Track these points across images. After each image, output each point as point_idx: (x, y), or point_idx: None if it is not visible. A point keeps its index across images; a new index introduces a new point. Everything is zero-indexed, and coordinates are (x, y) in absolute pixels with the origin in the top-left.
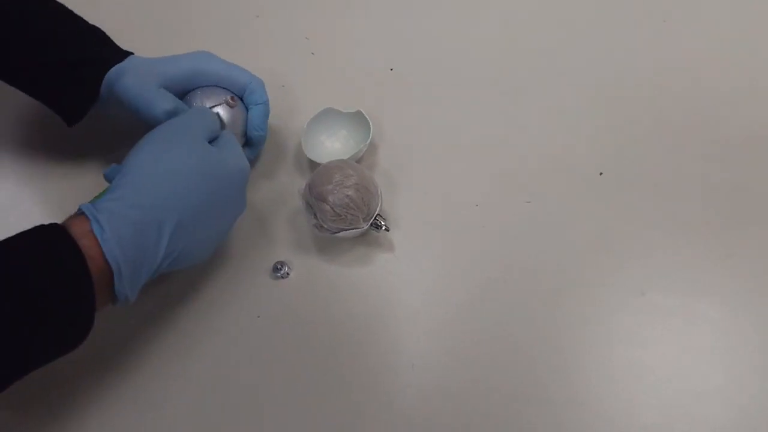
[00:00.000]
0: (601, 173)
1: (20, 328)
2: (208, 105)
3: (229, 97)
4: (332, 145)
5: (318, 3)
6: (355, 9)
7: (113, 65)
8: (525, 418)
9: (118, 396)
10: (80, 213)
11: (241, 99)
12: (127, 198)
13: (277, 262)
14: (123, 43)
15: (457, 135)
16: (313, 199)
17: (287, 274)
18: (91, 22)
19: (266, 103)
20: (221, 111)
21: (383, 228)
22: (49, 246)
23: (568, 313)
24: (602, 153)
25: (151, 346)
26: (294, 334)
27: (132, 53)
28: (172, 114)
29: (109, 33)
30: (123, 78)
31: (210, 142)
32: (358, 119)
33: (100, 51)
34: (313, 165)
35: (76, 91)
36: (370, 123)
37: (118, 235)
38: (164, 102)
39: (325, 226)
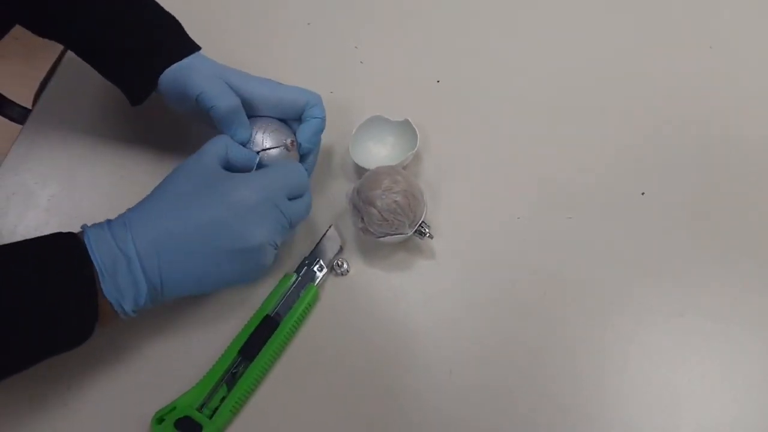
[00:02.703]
0: (643, 193)
1: (21, 319)
2: (267, 145)
3: (289, 142)
4: (378, 152)
5: (367, 13)
6: (404, 20)
7: (177, 58)
8: (559, 427)
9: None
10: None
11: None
12: (119, 218)
13: (338, 259)
14: None
15: (501, 148)
16: (361, 203)
17: (347, 271)
18: None
19: (322, 119)
20: (277, 153)
21: (427, 235)
22: (58, 246)
23: (606, 330)
24: (645, 174)
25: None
26: (332, 335)
27: (200, 48)
28: (235, 111)
29: None
30: (187, 72)
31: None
32: (405, 128)
33: (167, 40)
34: (359, 170)
35: (136, 77)
36: (417, 132)
37: (98, 245)
38: (229, 97)
39: (371, 229)
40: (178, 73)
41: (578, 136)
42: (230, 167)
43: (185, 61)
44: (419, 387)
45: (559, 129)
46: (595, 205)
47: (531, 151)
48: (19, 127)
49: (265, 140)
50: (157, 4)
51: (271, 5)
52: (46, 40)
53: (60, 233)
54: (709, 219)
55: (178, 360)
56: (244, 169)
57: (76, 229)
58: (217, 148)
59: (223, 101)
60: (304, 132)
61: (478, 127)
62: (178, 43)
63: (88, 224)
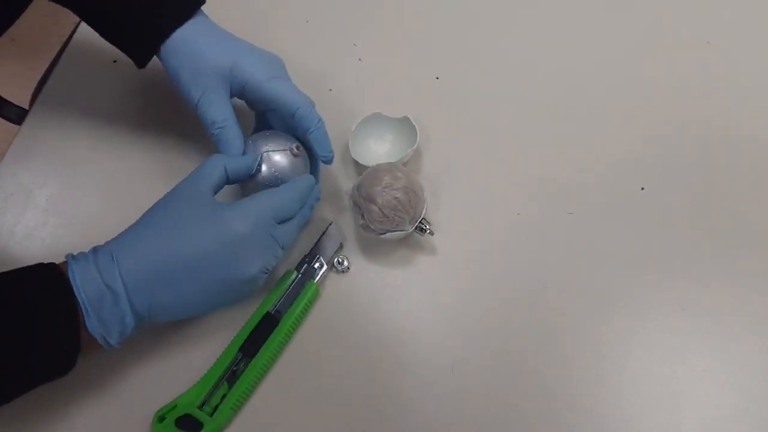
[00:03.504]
0: (642, 188)
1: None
2: (271, 148)
3: (294, 146)
4: (378, 149)
5: (366, 11)
6: (403, 18)
7: (179, 22)
8: (562, 424)
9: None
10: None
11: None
12: (105, 248)
13: (339, 256)
14: None
15: (500, 145)
16: (362, 200)
17: (348, 268)
18: None
19: (322, 124)
20: (281, 157)
21: (428, 231)
22: (42, 278)
23: (606, 326)
24: (644, 169)
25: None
26: (332, 331)
27: (198, 6)
28: (220, 125)
29: None
30: (174, 57)
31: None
32: (405, 125)
33: (162, 12)
34: (359, 167)
35: (137, 42)
36: (417, 129)
37: (83, 280)
38: (223, 109)
39: (372, 226)
40: (180, 53)
41: (578, 133)
42: (231, 180)
43: (189, 37)
44: (421, 383)
45: (559, 125)
46: (595, 201)
47: (531, 147)
48: (16, 127)
49: (268, 145)
50: None
51: (270, 3)
52: (42, 41)
53: (42, 265)
54: (709, 214)
55: (179, 358)
56: (245, 177)
57: (75, 231)
58: (210, 170)
59: (218, 115)
60: (319, 142)
61: (477, 123)
62: (178, 5)
63: (74, 253)
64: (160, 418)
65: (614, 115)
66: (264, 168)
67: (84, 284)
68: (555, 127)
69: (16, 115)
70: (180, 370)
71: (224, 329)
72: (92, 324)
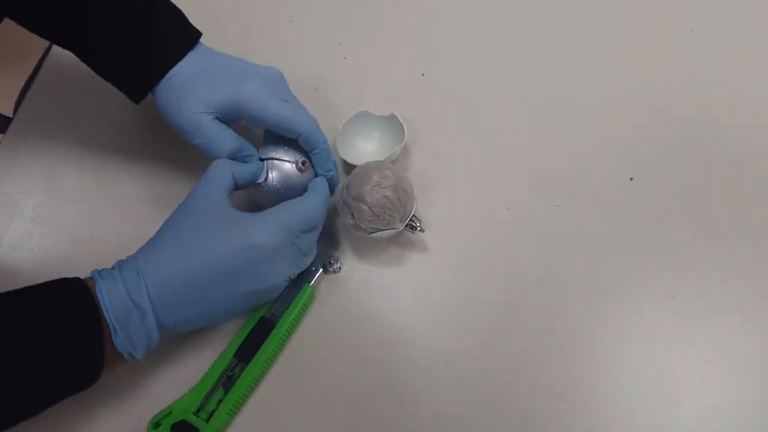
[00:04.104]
0: (631, 178)
1: (29, 367)
2: (278, 157)
3: (300, 161)
4: (366, 148)
5: (350, 9)
6: (387, 16)
7: (176, 59)
8: (558, 415)
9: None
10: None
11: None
12: (130, 264)
13: (331, 258)
14: None
15: (488, 140)
16: (351, 199)
17: (340, 269)
18: None
19: (327, 145)
20: (287, 169)
21: (418, 229)
22: (67, 294)
23: (600, 315)
24: (632, 159)
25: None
26: (328, 333)
27: (200, 35)
28: (236, 152)
29: None
30: (171, 103)
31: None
32: (392, 122)
33: (163, 37)
34: (347, 166)
35: (134, 79)
36: (404, 126)
37: (110, 298)
38: (227, 141)
39: (362, 225)
40: (177, 90)
41: (565, 125)
42: (238, 186)
43: (183, 72)
44: (417, 381)
45: (545, 119)
46: (585, 193)
47: (519, 141)
48: (0, 136)
49: (278, 153)
50: None
51: (253, 4)
52: (24, 48)
53: (66, 280)
54: (697, 202)
55: (174, 364)
56: (250, 183)
57: (63, 240)
58: (221, 176)
59: (222, 150)
60: (322, 163)
61: (465, 119)
62: (176, 40)
63: (99, 269)
64: (155, 424)
65: (600, 107)
66: (269, 176)
67: (112, 302)
68: (542, 120)
69: (0, 124)
70: (175, 375)
71: (219, 335)
72: (120, 341)
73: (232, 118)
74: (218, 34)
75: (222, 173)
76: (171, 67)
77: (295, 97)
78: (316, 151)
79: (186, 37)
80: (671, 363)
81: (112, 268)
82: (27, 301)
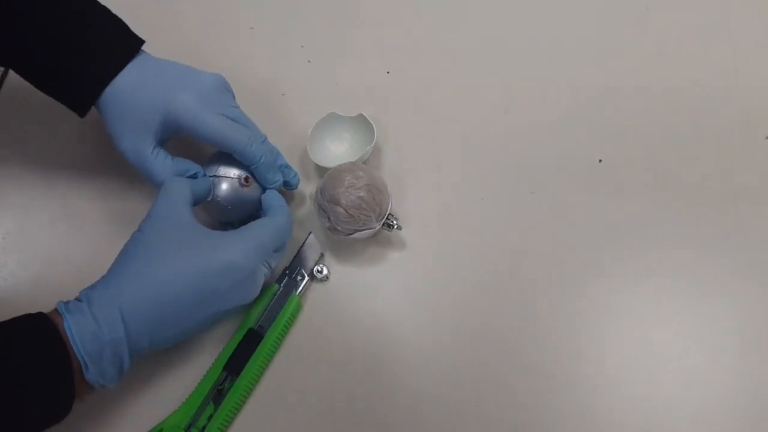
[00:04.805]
0: (600, 160)
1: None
2: (222, 173)
3: (243, 178)
4: (337, 149)
5: (310, 13)
6: (348, 16)
7: (118, 68)
8: (546, 396)
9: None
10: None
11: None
12: (100, 295)
13: (317, 266)
14: None
15: (458, 132)
16: (326, 203)
17: (327, 277)
18: None
19: (265, 159)
20: (230, 185)
21: (395, 227)
22: (34, 333)
23: (579, 297)
24: (599, 141)
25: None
26: (316, 340)
27: (142, 42)
28: (181, 174)
29: None
30: (112, 122)
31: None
32: (361, 122)
33: (104, 46)
34: (319, 169)
35: (75, 92)
36: (374, 125)
37: (81, 336)
38: (166, 171)
39: (339, 228)
40: (117, 105)
41: (530, 113)
42: (195, 202)
43: (123, 84)
44: (410, 377)
45: (511, 107)
46: (556, 178)
47: (486, 131)
48: None
49: (219, 171)
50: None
51: (210, 12)
52: None
53: (29, 316)
54: (667, 178)
55: (162, 380)
56: (204, 200)
57: (38, 267)
58: (181, 192)
59: (164, 178)
60: (262, 176)
61: (432, 114)
62: (116, 50)
63: (64, 301)
64: None
65: (563, 92)
66: (219, 190)
67: (82, 339)
68: (507, 108)
69: None
70: (163, 392)
71: (207, 348)
72: (92, 375)
73: (171, 133)
74: (179, 44)
75: (181, 189)
76: (112, 78)
77: (237, 107)
78: (254, 166)
79: (127, 46)
80: (653, 339)
81: (78, 299)
82: None
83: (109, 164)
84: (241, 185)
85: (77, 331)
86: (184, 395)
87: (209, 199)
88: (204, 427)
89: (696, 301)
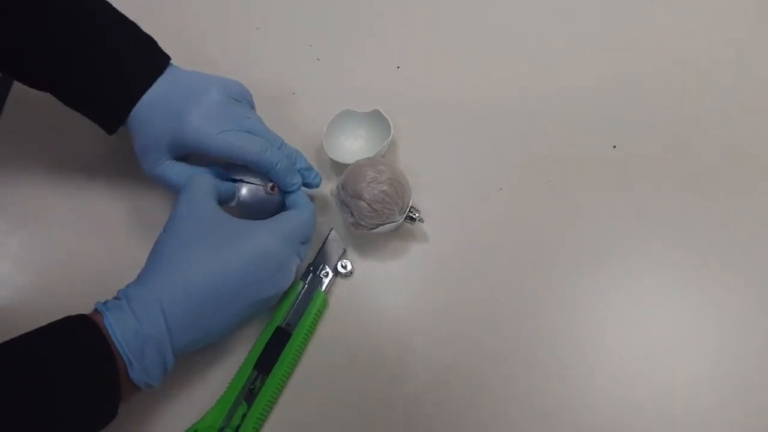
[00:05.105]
0: (614, 146)
1: (49, 413)
2: (247, 179)
3: (269, 186)
4: (352, 146)
5: (317, 11)
6: (355, 13)
7: (148, 84)
8: (571, 386)
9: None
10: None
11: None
12: (139, 293)
13: (341, 261)
14: None
15: (472, 123)
16: (349, 198)
17: (351, 272)
18: None
19: (281, 166)
20: (249, 190)
21: (417, 219)
22: (77, 334)
23: (606, 282)
24: (613, 127)
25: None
26: (343, 335)
27: (167, 63)
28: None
29: None
30: (136, 139)
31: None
32: (376, 118)
33: (132, 65)
34: (336, 165)
35: (105, 110)
36: (389, 120)
37: (123, 332)
38: (179, 179)
39: (363, 222)
40: (141, 124)
41: (545, 102)
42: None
43: (146, 102)
44: (439, 369)
45: (525, 97)
46: (571, 165)
47: (501, 121)
48: None
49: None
50: (113, 11)
51: (215, 13)
52: None
53: (72, 318)
54: (682, 166)
55: (193, 381)
56: (225, 202)
57: (55, 275)
58: (207, 186)
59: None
60: (280, 180)
61: (445, 106)
62: (144, 69)
63: (102, 302)
64: None
65: (577, 80)
66: (241, 193)
67: (125, 336)
68: (522, 99)
69: None
70: (195, 393)
71: (236, 349)
72: (136, 374)
73: (184, 151)
74: (185, 47)
75: (205, 182)
76: (141, 96)
77: (250, 117)
78: (272, 173)
79: (155, 63)
80: (689, 321)
81: (117, 298)
82: (36, 346)
83: (127, 166)
84: (267, 192)
85: (120, 330)
86: (215, 396)
87: (233, 204)
88: (238, 427)
89: (717, 285)
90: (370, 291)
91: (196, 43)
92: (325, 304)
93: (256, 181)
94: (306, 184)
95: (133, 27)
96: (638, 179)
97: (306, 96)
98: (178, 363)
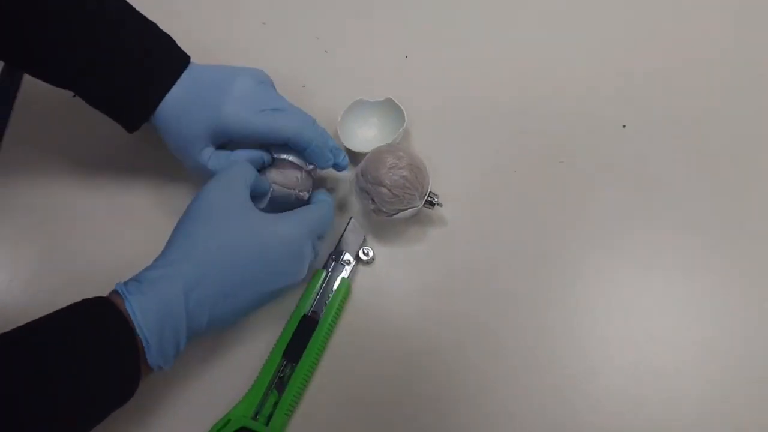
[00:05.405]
0: (624, 126)
1: (66, 392)
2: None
3: (310, 169)
4: (366, 135)
5: (321, 3)
6: (360, 4)
7: (169, 84)
8: (590, 365)
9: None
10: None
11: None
12: (159, 274)
13: (361, 248)
14: None
15: (482, 108)
16: (369, 185)
17: (373, 259)
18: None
19: (317, 144)
20: (298, 173)
21: (437, 203)
22: (98, 315)
23: (618, 265)
24: (623, 106)
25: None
26: (368, 321)
27: (187, 63)
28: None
29: None
30: (170, 137)
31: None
32: (388, 106)
33: (155, 63)
34: (352, 154)
35: (129, 108)
36: (403, 108)
37: (143, 313)
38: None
39: (384, 209)
40: (171, 121)
41: (554, 83)
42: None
43: (173, 101)
44: (468, 349)
45: (533, 79)
46: (583, 145)
47: (511, 105)
48: None
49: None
50: (132, 11)
51: (221, 10)
52: None
53: (90, 301)
54: (692, 144)
55: (222, 372)
56: (262, 192)
57: (76, 278)
58: (245, 175)
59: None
60: (315, 158)
61: (455, 92)
62: (167, 68)
63: (121, 282)
64: None
65: (585, 62)
66: (273, 196)
67: (146, 319)
68: (530, 81)
69: None
70: (224, 383)
71: (263, 338)
72: (153, 356)
73: (223, 139)
74: (192, 45)
75: (246, 173)
76: (162, 98)
77: (282, 97)
78: (308, 150)
79: (175, 64)
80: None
81: (137, 279)
82: (59, 325)
83: (149, 157)
84: (297, 199)
85: (140, 312)
86: (245, 386)
87: (262, 206)
88: (270, 415)
89: (723, 270)
90: (392, 277)
91: (204, 41)
92: (349, 291)
93: (295, 160)
94: (335, 165)
95: (153, 27)
96: (650, 158)
97: (316, 88)
98: (209, 355)
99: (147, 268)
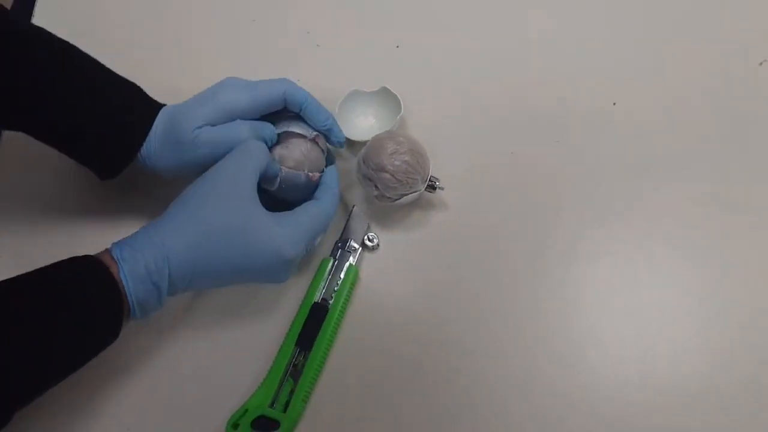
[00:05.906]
0: (614, 103)
1: (57, 335)
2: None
3: (314, 136)
4: (363, 124)
5: None
6: None
7: (143, 133)
8: (587, 357)
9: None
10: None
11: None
12: (148, 239)
13: (367, 235)
14: (118, 60)
15: (476, 92)
16: (371, 171)
17: (378, 245)
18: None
19: (313, 100)
20: (304, 145)
21: (438, 187)
22: (85, 268)
23: (616, 237)
24: (612, 85)
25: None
26: (374, 303)
27: (156, 113)
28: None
29: (104, 51)
30: (158, 158)
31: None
32: (384, 95)
33: (131, 118)
34: (351, 143)
35: (111, 157)
36: (399, 96)
37: (135, 288)
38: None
39: (387, 194)
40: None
41: (546, 63)
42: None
43: (150, 147)
44: (466, 329)
45: (525, 62)
46: (576, 123)
47: (504, 88)
48: None
49: (283, 153)
50: (110, 73)
51: (209, 9)
52: None
53: (81, 260)
54: (682, 119)
55: (235, 364)
56: (267, 182)
57: None
58: (258, 158)
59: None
60: (312, 116)
61: (449, 78)
62: (140, 114)
63: (117, 243)
64: (234, 425)
65: (575, 42)
66: (283, 177)
67: (136, 290)
68: (522, 63)
69: None
70: (240, 375)
71: (273, 327)
72: (136, 317)
73: (222, 118)
74: (181, 47)
75: (260, 157)
76: (137, 150)
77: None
78: (303, 108)
79: (146, 114)
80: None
81: (132, 245)
82: (49, 280)
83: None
84: (306, 178)
85: (132, 282)
86: (258, 376)
87: (273, 188)
88: (287, 403)
89: (725, 239)
90: (398, 262)
91: (194, 42)
92: (357, 277)
93: (297, 128)
94: (331, 139)
95: (123, 81)
96: (639, 135)
97: (310, 81)
98: (220, 346)
99: (142, 234)
